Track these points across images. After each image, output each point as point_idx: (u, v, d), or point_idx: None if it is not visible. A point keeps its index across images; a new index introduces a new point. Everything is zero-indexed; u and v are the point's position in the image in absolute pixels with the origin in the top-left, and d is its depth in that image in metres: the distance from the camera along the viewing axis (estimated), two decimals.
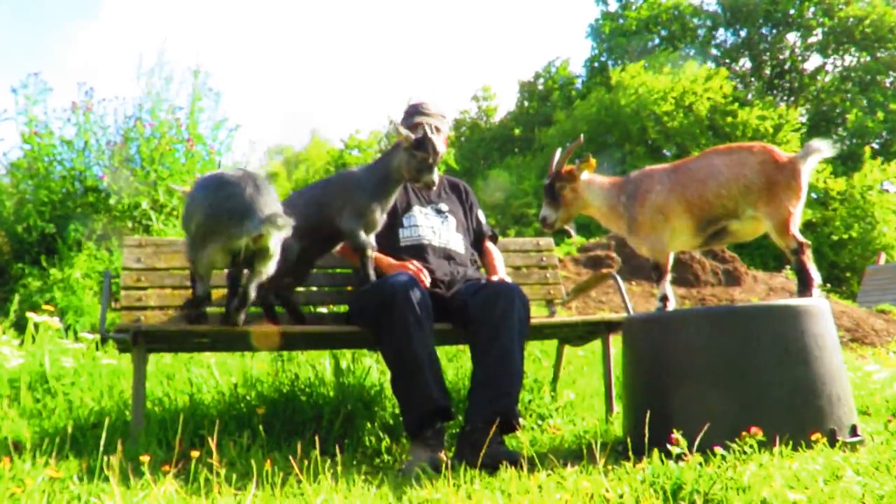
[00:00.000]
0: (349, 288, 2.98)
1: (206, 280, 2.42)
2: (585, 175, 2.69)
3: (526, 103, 27.49)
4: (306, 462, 2.03)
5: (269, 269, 2.34)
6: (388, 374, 2.50)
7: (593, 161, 2.67)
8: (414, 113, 2.92)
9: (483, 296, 2.53)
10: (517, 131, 26.34)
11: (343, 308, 2.93)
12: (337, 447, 2.42)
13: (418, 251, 2.79)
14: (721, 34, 26.48)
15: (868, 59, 24.02)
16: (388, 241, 2.78)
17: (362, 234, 2.55)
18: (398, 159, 2.55)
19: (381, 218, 2.62)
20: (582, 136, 2.81)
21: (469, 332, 2.54)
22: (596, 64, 26.85)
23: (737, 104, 20.89)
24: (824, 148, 2.43)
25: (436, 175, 2.53)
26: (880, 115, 22.63)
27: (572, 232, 2.86)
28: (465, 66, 60.52)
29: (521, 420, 2.50)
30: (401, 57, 61.81)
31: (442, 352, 3.83)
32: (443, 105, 3.00)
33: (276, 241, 2.27)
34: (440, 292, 2.70)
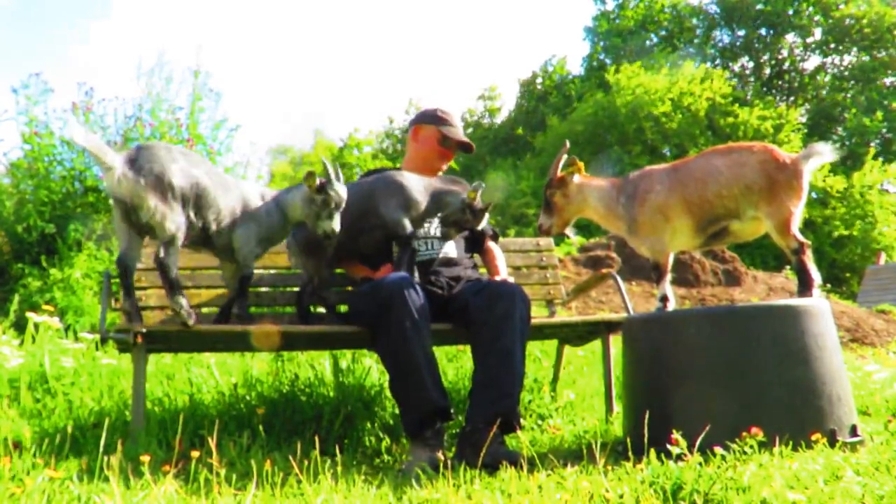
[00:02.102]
0: (349, 288, 2.98)
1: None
2: (578, 178, 2.70)
3: (525, 103, 27.51)
4: (306, 462, 2.03)
5: (149, 215, 2.20)
6: (387, 375, 2.50)
7: (580, 164, 2.68)
8: (446, 123, 2.96)
9: (485, 296, 2.53)
10: (520, 130, 26.35)
11: (343, 308, 2.94)
12: (337, 447, 2.42)
13: (419, 268, 2.79)
14: (719, 34, 26.50)
15: (866, 58, 24.03)
16: (383, 256, 2.80)
17: (407, 224, 2.61)
18: (453, 206, 2.66)
19: (421, 223, 2.72)
20: (567, 142, 2.83)
21: (470, 333, 2.54)
22: (594, 63, 26.85)
23: (736, 104, 20.90)
24: (826, 152, 2.43)
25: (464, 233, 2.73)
26: (879, 114, 22.64)
27: (572, 235, 2.87)
28: (470, 65, 60.49)
29: (521, 421, 2.50)
30: (405, 56, 61.83)
31: (442, 352, 3.83)
32: (452, 107, 3.03)
33: (117, 177, 2.15)
34: (439, 292, 2.70)
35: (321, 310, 3.21)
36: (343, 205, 2.46)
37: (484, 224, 2.94)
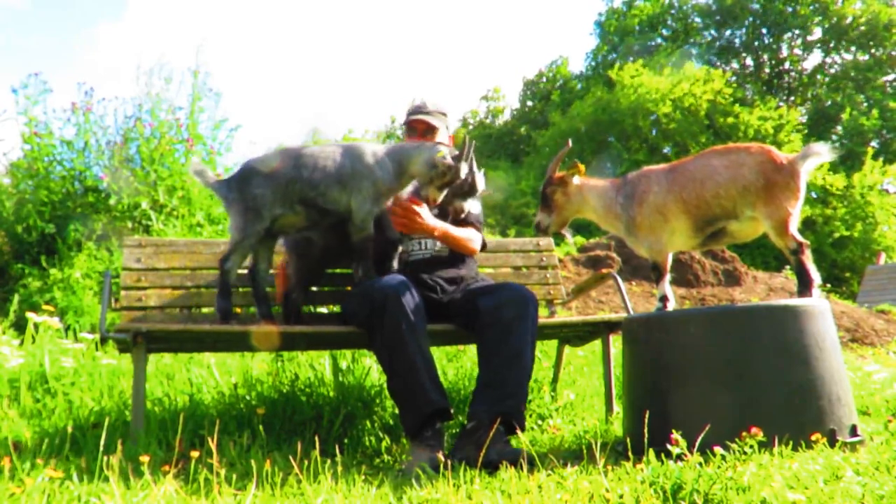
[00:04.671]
0: (349, 288, 2.98)
1: None
2: (578, 179, 2.70)
3: (529, 103, 27.53)
4: (306, 462, 2.03)
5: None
6: (385, 376, 2.49)
7: (581, 166, 2.69)
8: (414, 112, 2.94)
9: (495, 298, 2.52)
10: (523, 130, 26.37)
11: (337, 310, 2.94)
12: (337, 447, 2.42)
13: (413, 267, 2.78)
14: (720, 34, 26.49)
15: (866, 57, 24.03)
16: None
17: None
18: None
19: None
20: (570, 141, 2.81)
21: (477, 333, 2.53)
22: (599, 58, 26.88)
23: (736, 105, 20.90)
24: (824, 152, 2.43)
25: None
26: (875, 113, 22.62)
27: (569, 236, 2.87)
28: (474, 66, 60.45)
29: (524, 423, 2.49)
30: (409, 57, 61.81)
31: (442, 352, 3.83)
32: (443, 102, 3.00)
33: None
34: (434, 296, 2.70)
35: (322, 309, 3.22)
36: (455, 183, 2.55)
37: (472, 205, 2.85)
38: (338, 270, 3.02)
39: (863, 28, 23.39)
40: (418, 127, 2.93)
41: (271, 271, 2.80)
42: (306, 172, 2.49)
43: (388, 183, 2.54)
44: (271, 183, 2.48)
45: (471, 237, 2.87)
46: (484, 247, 3.03)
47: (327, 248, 2.72)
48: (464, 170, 2.53)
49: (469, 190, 2.65)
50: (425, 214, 2.68)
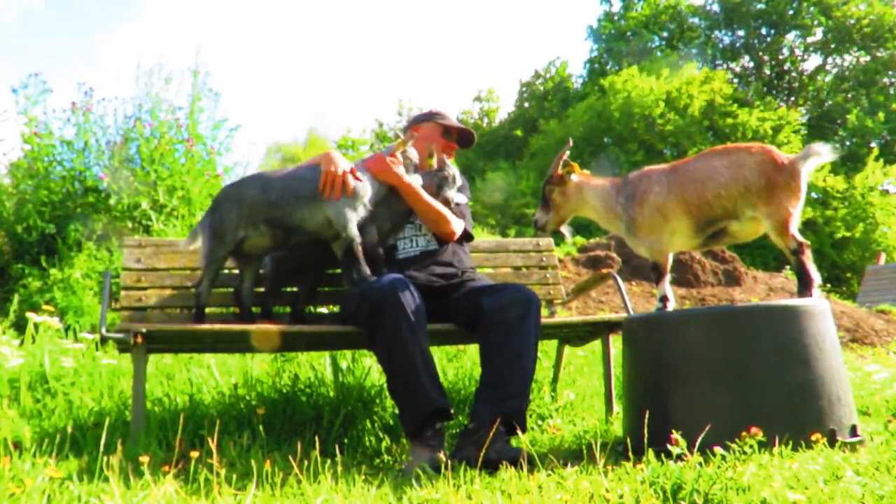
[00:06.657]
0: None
1: None
2: (576, 177, 2.70)
3: (526, 104, 27.52)
4: (306, 462, 2.03)
5: None
6: (384, 377, 2.49)
7: (575, 165, 2.70)
8: (443, 117, 3.00)
9: (499, 298, 2.52)
10: (519, 132, 26.37)
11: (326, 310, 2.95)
12: (337, 447, 2.42)
13: (401, 265, 2.78)
14: (720, 35, 26.48)
15: (868, 58, 24.03)
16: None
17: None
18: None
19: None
20: (570, 140, 2.82)
21: (480, 333, 2.52)
22: (596, 65, 26.86)
23: (735, 105, 20.90)
24: (825, 152, 2.43)
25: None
26: (881, 115, 22.62)
27: (568, 235, 2.87)
28: (470, 66, 60.52)
29: (526, 424, 2.49)
30: (407, 56, 61.79)
31: (442, 352, 3.83)
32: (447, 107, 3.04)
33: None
34: (434, 289, 2.69)
35: (322, 309, 3.22)
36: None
37: (455, 194, 2.84)
38: (338, 270, 3.02)
39: (866, 30, 23.38)
40: (459, 145, 3.02)
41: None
42: (274, 195, 2.55)
43: (363, 189, 2.59)
44: (236, 206, 2.55)
45: (450, 216, 2.78)
46: (468, 238, 2.96)
47: (305, 256, 2.77)
48: (412, 151, 2.73)
49: (451, 178, 2.76)
50: (401, 170, 2.71)
